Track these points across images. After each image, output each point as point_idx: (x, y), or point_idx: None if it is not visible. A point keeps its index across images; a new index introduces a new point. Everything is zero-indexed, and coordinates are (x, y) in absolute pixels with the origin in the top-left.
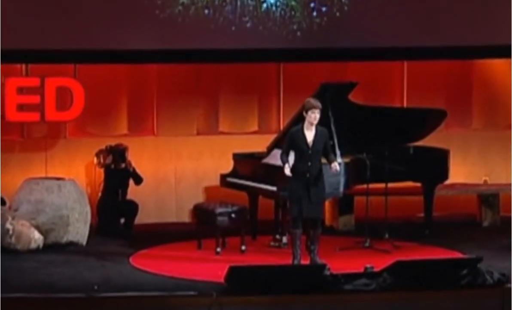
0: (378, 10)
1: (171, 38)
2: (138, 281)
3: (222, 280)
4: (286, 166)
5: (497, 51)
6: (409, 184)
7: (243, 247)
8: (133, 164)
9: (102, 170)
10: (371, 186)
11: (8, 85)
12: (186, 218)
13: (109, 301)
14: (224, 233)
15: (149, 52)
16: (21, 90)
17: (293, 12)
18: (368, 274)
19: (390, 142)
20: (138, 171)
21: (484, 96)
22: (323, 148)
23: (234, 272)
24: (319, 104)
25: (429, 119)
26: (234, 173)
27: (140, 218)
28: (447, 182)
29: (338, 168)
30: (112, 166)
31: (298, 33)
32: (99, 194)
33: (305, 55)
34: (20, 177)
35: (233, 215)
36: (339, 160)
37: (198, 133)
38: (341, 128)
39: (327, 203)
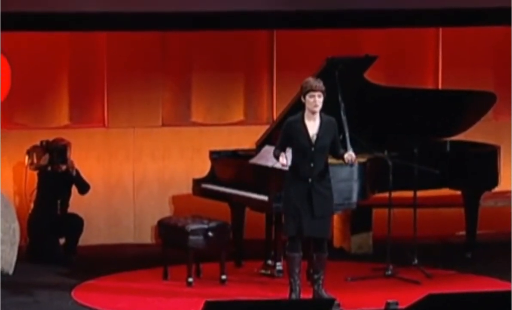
0: None
1: None
2: None
3: None
4: (282, 155)
5: None
6: (446, 191)
7: (224, 277)
8: (77, 166)
9: (35, 173)
10: (395, 194)
11: None
12: (147, 237)
13: None
14: (199, 257)
15: (97, 15)
16: None
17: None
18: None
19: (420, 136)
20: (84, 175)
21: None
22: (331, 144)
23: (211, 309)
24: (320, 85)
25: (472, 105)
26: (211, 178)
27: (86, 238)
28: (496, 189)
29: (353, 156)
30: (49, 168)
31: None
32: (31, 206)
33: (306, 20)
34: None
35: (210, 234)
36: (354, 156)
37: (164, 125)
38: (354, 117)
39: (336, 218)
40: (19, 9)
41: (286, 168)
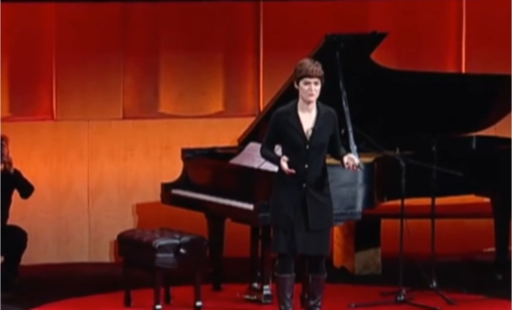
0: None
1: None
2: None
3: None
4: (284, 159)
5: None
6: (471, 198)
7: (199, 303)
8: (18, 167)
9: None
10: (409, 202)
11: None
12: (105, 255)
13: None
14: (169, 279)
15: None
16: None
17: None
18: None
19: (440, 130)
20: (26, 175)
21: None
22: (330, 140)
23: None
24: (318, 68)
25: (502, 93)
26: (184, 182)
27: (31, 255)
28: None
29: (356, 160)
30: None
31: None
32: None
33: None
34: None
35: (182, 250)
36: (356, 160)
37: (125, 117)
38: (359, 108)
39: (336, 231)
40: None
41: (287, 168)
